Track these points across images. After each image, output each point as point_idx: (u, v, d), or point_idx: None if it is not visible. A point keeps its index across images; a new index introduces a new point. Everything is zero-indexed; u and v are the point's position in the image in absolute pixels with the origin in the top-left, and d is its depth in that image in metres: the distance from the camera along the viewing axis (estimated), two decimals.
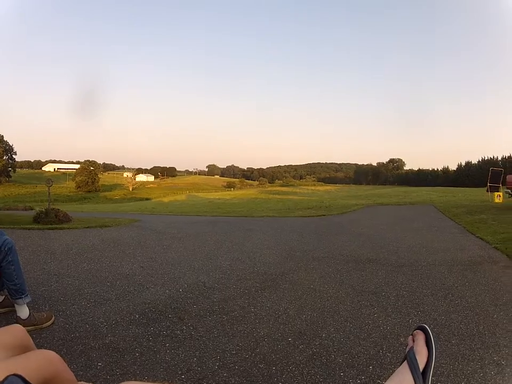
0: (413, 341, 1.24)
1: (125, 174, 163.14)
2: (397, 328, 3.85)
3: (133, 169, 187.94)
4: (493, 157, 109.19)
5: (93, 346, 3.25)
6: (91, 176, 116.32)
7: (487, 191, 23.13)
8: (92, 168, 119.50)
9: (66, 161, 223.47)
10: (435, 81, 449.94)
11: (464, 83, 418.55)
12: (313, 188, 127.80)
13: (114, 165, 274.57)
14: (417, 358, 1.13)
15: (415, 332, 1.27)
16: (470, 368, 2.97)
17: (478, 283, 5.50)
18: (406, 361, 1.16)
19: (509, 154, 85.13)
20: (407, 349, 1.22)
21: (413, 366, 1.10)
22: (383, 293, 5.03)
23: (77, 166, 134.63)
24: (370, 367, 3.01)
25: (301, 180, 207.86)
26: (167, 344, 3.36)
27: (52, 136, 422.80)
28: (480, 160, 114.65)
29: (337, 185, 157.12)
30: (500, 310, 4.35)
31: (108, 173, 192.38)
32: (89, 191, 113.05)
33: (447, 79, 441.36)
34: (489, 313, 4.27)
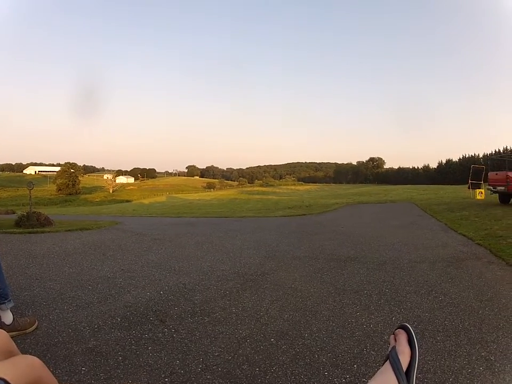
0: (395, 340, 1.21)
1: (105, 176, 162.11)
2: (380, 326, 3.84)
3: (113, 171, 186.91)
4: (474, 155, 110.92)
5: (76, 351, 3.22)
6: (71, 179, 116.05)
7: (469, 188, 23.53)
8: (72, 170, 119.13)
9: (47, 163, 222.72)
10: (416, 81, 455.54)
11: (446, 83, 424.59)
12: (293, 187, 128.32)
13: (94, 167, 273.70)
14: (400, 357, 1.10)
15: (396, 331, 1.24)
16: (457, 365, 2.97)
17: (461, 279, 5.54)
18: (388, 361, 1.12)
19: (491, 152, 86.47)
20: (389, 349, 1.18)
21: (396, 366, 1.07)
22: (365, 291, 5.03)
23: (58, 169, 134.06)
24: (355, 365, 3.00)
25: (281, 180, 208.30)
26: (150, 347, 3.33)
27: (33, 138, 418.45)
28: (461, 158, 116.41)
29: (317, 184, 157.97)
30: (485, 306, 4.38)
31: (88, 175, 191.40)
32: (70, 194, 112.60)
33: (429, 80, 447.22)
34: (474, 309, 4.29)
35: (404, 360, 1.10)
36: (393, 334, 1.25)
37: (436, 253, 7.42)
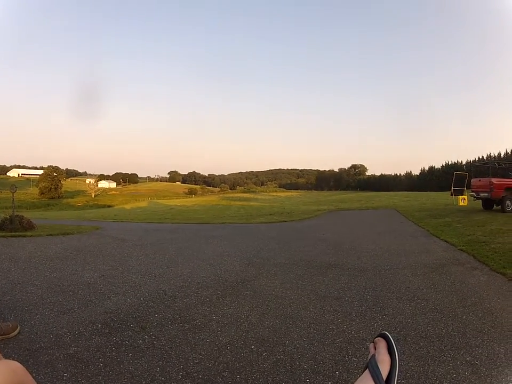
0: (375, 349, 1.18)
1: (87, 181, 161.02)
2: (362, 332, 3.85)
3: (95, 175, 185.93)
4: (457, 161, 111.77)
5: (58, 356, 3.22)
6: (54, 183, 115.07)
7: (451, 194, 23.81)
8: (55, 174, 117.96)
9: (30, 166, 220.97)
10: (398, 90, 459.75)
11: (431, 91, 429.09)
12: (274, 194, 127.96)
13: (76, 171, 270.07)
14: (379, 366, 1.07)
15: (376, 339, 1.20)
16: (441, 370, 2.98)
17: (444, 285, 5.59)
18: (367, 369, 1.10)
19: (474, 159, 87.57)
20: (369, 357, 1.16)
21: (376, 375, 1.03)
22: (346, 298, 5.05)
23: (41, 172, 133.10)
24: (337, 372, 2.99)
25: (262, 186, 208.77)
26: (130, 354, 3.32)
27: (17, 141, 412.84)
28: (444, 164, 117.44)
29: (299, 191, 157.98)
30: (468, 311, 4.41)
31: (71, 179, 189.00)
32: (53, 198, 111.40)
33: (412, 88, 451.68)
34: (458, 314, 4.32)
35: (384, 369, 1.07)
36: (373, 342, 1.22)
37: (417, 259, 7.48)
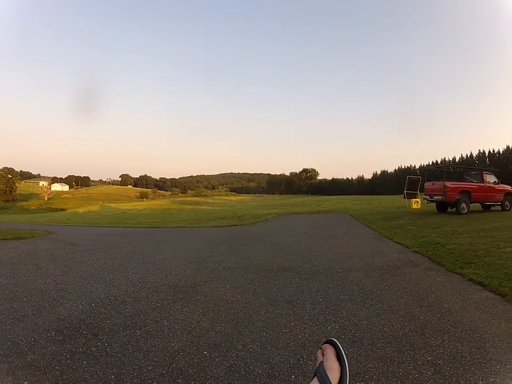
0: (323, 355, 1.14)
1: (41, 183, 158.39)
2: (316, 335, 3.86)
3: (48, 178, 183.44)
4: (410, 166, 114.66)
5: (17, 364, 3.24)
6: (9, 185, 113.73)
7: (404, 197, 24.42)
8: (9, 176, 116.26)
9: None
10: (349, 94, 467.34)
11: (381, 96, 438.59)
12: (225, 198, 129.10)
13: (30, 173, 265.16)
14: (328, 374, 1.02)
15: (323, 346, 1.16)
16: (402, 370, 2.99)
17: (399, 286, 5.66)
18: (316, 377, 1.05)
19: (427, 163, 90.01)
20: (317, 365, 1.11)
21: (324, 383, 0.99)
22: (299, 301, 5.07)
23: None
24: (292, 376, 2.97)
25: (214, 190, 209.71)
26: (84, 362, 3.31)
27: None
28: (397, 169, 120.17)
29: (250, 195, 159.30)
30: (426, 311, 4.47)
31: (25, 182, 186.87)
32: (7, 201, 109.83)
33: (362, 93, 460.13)
34: (415, 315, 4.37)
35: (333, 377, 1.02)
36: (320, 349, 1.18)
37: (370, 262, 7.59)
